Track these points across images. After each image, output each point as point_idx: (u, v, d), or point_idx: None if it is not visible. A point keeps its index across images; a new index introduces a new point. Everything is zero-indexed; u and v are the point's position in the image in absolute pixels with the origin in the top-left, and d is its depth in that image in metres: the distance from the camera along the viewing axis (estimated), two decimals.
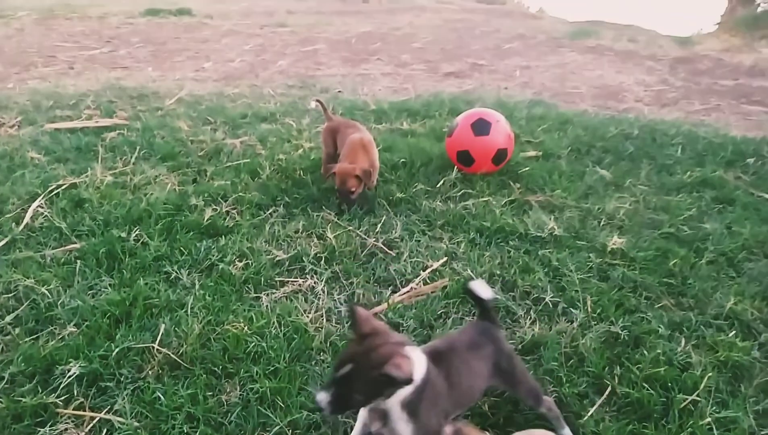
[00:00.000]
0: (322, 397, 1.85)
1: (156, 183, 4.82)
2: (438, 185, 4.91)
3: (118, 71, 9.89)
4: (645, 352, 2.93)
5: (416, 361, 1.94)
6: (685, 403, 2.60)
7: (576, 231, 4.18)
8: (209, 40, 13.59)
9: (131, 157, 5.39)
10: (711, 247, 3.97)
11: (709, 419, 2.50)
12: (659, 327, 3.14)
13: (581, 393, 2.70)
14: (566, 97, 8.88)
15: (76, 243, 3.84)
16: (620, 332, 3.10)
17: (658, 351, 2.93)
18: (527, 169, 5.30)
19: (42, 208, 4.27)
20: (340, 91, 8.73)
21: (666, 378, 2.74)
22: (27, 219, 4.12)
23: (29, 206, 4.29)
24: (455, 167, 5.16)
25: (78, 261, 3.59)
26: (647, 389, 2.67)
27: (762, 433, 2.48)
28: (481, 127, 5.03)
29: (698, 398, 2.62)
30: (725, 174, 5.32)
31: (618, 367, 2.84)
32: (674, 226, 4.26)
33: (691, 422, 2.49)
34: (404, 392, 1.92)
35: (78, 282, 3.40)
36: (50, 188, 4.56)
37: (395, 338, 1.98)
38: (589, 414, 2.55)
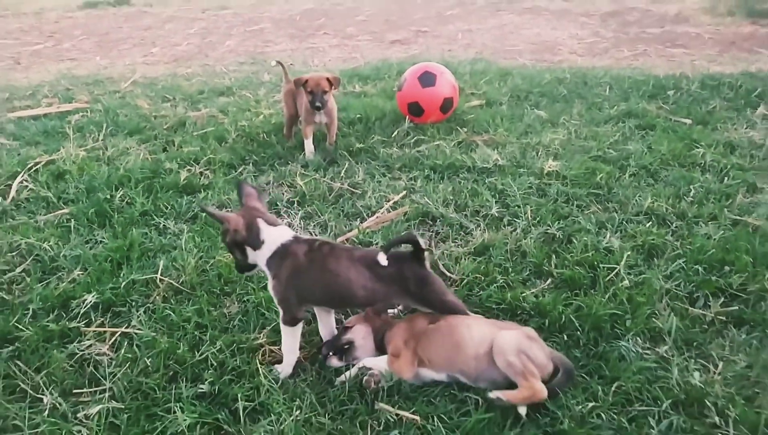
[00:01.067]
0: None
1: (128, 154, 5.13)
2: (393, 135, 5.36)
3: (67, 63, 9.92)
4: (576, 244, 3.49)
5: (269, 232, 2.58)
6: (609, 276, 3.16)
7: (517, 161, 4.71)
8: (152, 27, 13.58)
9: (99, 134, 5.65)
10: (633, 163, 4.57)
11: (626, 282, 3.07)
12: (588, 226, 3.70)
13: (524, 279, 3.24)
14: (506, 54, 9.42)
15: (64, 208, 4.16)
16: (556, 232, 3.65)
17: (587, 243, 3.49)
18: (472, 115, 5.82)
19: (26, 182, 4.55)
20: (291, 64, 9.04)
21: (593, 260, 3.30)
22: (13, 192, 4.40)
23: (12, 182, 4.56)
24: (407, 119, 5.62)
25: (71, 221, 3.93)
26: (578, 269, 3.22)
27: (671, 291, 3.06)
28: (427, 79, 5.50)
29: (620, 271, 3.19)
30: (648, 105, 5.94)
31: (554, 257, 3.38)
32: (601, 149, 4.85)
33: (613, 287, 3.05)
34: (267, 251, 2.57)
35: (74, 238, 3.75)
36: (29, 165, 4.82)
37: (258, 213, 2.62)
38: (531, 292, 3.08)
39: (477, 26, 12.34)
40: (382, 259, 2.54)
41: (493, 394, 2.35)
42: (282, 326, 2.61)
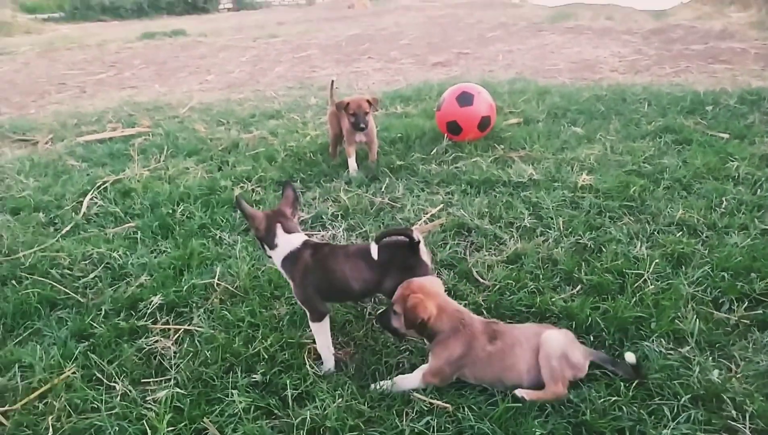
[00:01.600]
0: None
1: (187, 173, 5.55)
2: (432, 153, 5.62)
3: (128, 90, 10.63)
4: (606, 253, 3.64)
5: (283, 238, 2.88)
6: (637, 283, 3.30)
7: (552, 175, 4.89)
8: (207, 56, 14.35)
9: (161, 156, 6.12)
10: (667, 176, 4.68)
11: (652, 287, 3.21)
12: (619, 236, 3.84)
13: (555, 285, 3.41)
14: (545, 73, 9.59)
15: (131, 222, 4.57)
16: (587, 242, 3.81)
17: (617, 251, 3.63)
18: (509, 133, 6.02)
19: (95, 199, 5.00)
20: (336, 88, 9.45)
21: (622, 268, 3.44)
22: (84, 208, 4.85)
23: (83, 199, 5.02)
24: (446, 137, 5.86)
25: (137, 233, 4.33)
26: (607, 276, 3.37)
27: (696, 296, 3.18)
28: (465, 98, 5.75)
29: (647, 277, 3.32)
30: (685, 121, 6.02)
31: (584, 265, 3.54)
32: (636, 164, 4.98)
33: (640, 293, 3.19)
34: (280, 254, 2.89)
35: (140, 248, 4.13)
36: (98, 184, 5.29)
37: (281, 218, 2.92)
38: (560, 297, 3.25)
39: (518, 47, 12.55)
40: (374, 251, 2.78)
41: (518, 392, 2.54)
42: (312, 326, 2.91)
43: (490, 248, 3.89)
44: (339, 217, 4.51)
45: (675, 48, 11.16)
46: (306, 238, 2.98)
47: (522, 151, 5.51)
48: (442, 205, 4.51)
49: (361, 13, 23.48)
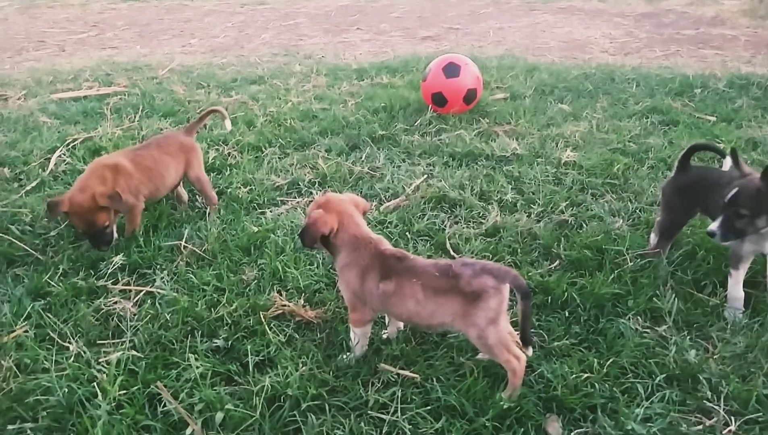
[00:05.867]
0: None
1: (161, 134, 5.35)
2: (415, 124, 5.48)
3: (108, 50, 10.29)
4: (587, 229, 3.55)
5: None
6: (616, 260, 3.22)
7: (536, 151, 4.78)
8: (192, 19, 13.95)
9: (135, 116, 5.90)
10: (652, 155, 4.59)
11: (632, 264, 3.13)
12: (601, 213, 3.75)
13: (533, 260, 3.32)
14: (535, 51, 9.42)
15: None
16: (568, 218, 3.72)
17: (597, 228, 3.55)
18: (495, 108, 5.88)
19: (64, 156, 4.81)
20: (323, 57, 9.23)
21: (601, 243, 3.36)
22: (51, 165, 4.66)
23: (51, 156, 4.82)
24: (430, 109, 5.72)
25: None
26: (586, 252, 3.29)
27: (675, 275, 3.10)
28: (451, 70, 5.59)
29: (626, 254, 3.24)
30: (673, 102, 5.92)
31: (564, 240, 3.45)
32: (621, 142, 4.88)
33: (618, 270, 3.11)
34: None
35: None
36: (67, 141, 5.08)
37: None
38: (538, 272, 3.16)
39: (509, 24, 12.34)
40: None
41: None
42: None
43: (470, 221, 3.78)
44: (316, 185, 4.37)
45: (666, 32, 11.03)
46: None
47: (507, 125, 5.38)
48: (424, 177, 4.38)
49: None
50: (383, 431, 2.25)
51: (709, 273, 3.13)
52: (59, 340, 2.71)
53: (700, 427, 2.27)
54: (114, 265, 3.24)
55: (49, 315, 2.88)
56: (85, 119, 5.92)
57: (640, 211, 3.81)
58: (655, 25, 11.75)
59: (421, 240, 3.56)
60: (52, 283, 3.12)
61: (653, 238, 3.35)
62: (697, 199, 3.14)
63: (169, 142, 3.88)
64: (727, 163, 3.22)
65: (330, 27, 12.56)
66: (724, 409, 2.31)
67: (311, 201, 4.04)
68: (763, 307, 2.87)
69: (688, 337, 2.69)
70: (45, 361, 2.56)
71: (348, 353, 2.61)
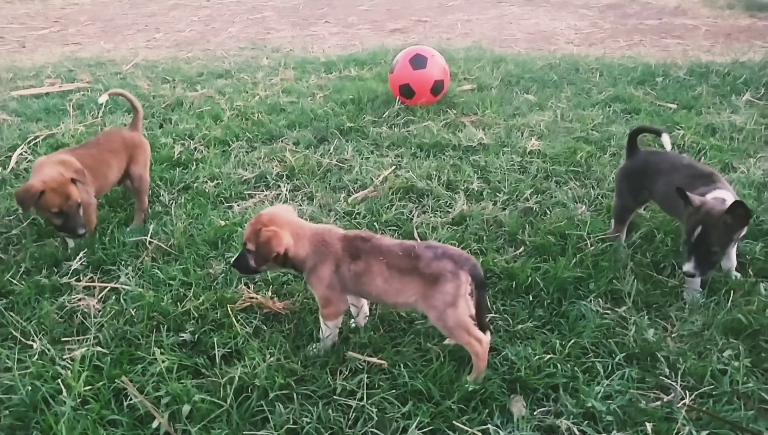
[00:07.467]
0: None
1: None
2: (383, 115, 5.49)
3: (71, 46, 10.06)
4: (551, 216, 3.62)
5: None
6: (579, 244, 3.29)
7: (502, 140, 4.84)
8: (157, 14, 13.72)
9: (98, 112, 5.80)
10: (614, 143, 4.69)
11: (593, 248, 3.21)
12: (564, 200, 3.83)
13: (498, 246, 3.38)
14: (502, 42, 9.51)
15: None
16: (533, 206, 3.78)
17: (561, 215, 3.62)
18: (462, 99, 5.94)
19: (25, 154, 4.71)
20: (290, 50, 9.18)
21: (565, 229, 3.43)
22: (13, 163, 4.56)
23: (12, 154, 4.71)
24: (398, 100, 5.74)
25: None
26: (549, 238, 3.35)
27: (635, 258, 3.19)
28: (418, 61, 5.62)
29: (587, 239, 3.32)
30: (635, 91, 6.05)
31: (529, 227, 3.51)
32: (585, 131, 4.98)
33: (580, 254, 3.18)
34: None
35: None
36: (29, 139, 4.98)
37: None
38: (503, 258, 3.21)
39: (477, 16, 12.42)
40: None
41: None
42: None
43: (437, 210, 3.82)
44: (284, 178, 4.36)
45: (630, 22, 11.23)
46: None
47: (474, 116, 5.44)
48: (392, 168, 4.40)
49: None
50: (350, 417, 2.28)
51: (668, 255, 3.23)
52: (22, 338, 2.68)
53: (659, 403, 2.34)
54: (78, 261, 3.20)
55: (11, 314, 2.83)
56: (47, 116, 5.79)
57: (601, 197, 3.91)
58: (619, 16, 11.96)
59: (390, 230, 3.59)
60: (15, 281, 3.07)
61: (613, 223, 3.43)
62: (643, 183, 3.23)
63: (110, 138, 3.80)
64: (667, 141, 3.32)
65: (298, 20, 12.48)
66: (680, 384, 2.39)
67: (278, 194, 4.06)
68: (719, 286, 2.96)
69: (647, 317, 2.77)
70: (7, 360, 2.52)
71: (317, 344, 2.63)
